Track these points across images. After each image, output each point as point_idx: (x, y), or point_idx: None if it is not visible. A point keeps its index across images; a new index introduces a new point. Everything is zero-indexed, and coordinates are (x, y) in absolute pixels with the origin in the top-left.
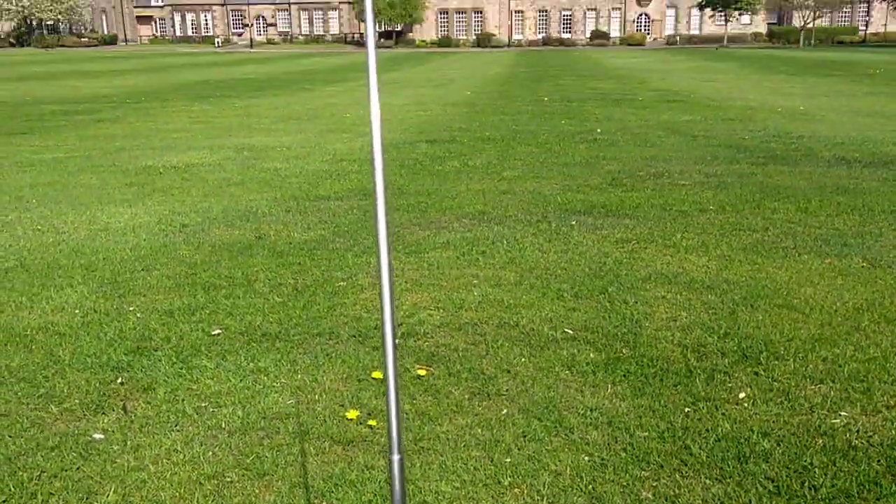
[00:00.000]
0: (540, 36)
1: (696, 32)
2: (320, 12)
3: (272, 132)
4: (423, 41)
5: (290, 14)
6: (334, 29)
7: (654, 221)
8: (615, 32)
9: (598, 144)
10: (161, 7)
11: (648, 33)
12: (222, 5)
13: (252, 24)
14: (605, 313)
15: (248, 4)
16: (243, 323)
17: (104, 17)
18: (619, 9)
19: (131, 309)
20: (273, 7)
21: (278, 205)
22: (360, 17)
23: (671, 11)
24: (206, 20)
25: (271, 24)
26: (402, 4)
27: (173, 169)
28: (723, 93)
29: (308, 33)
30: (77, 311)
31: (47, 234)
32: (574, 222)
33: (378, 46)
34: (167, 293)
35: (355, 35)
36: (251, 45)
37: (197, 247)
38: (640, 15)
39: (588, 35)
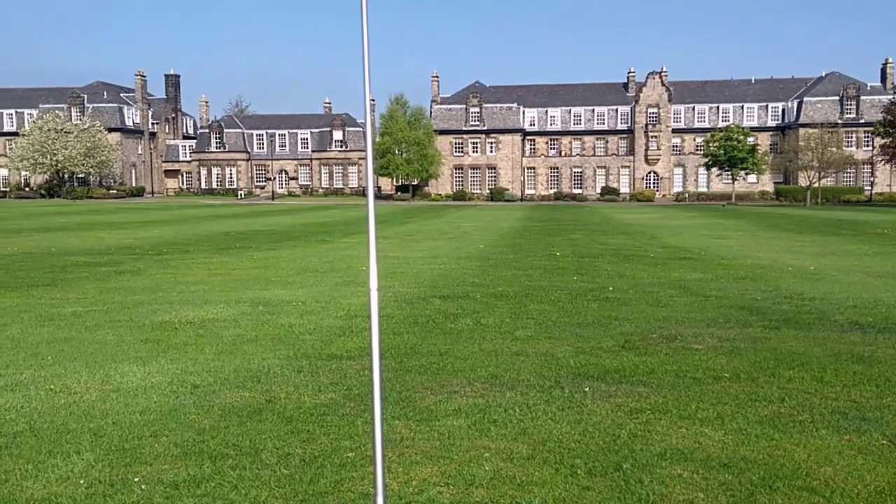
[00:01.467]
0: (552, 191)
1: (704, 190)
2: (340, 167)
3: (289, 285)
4: (439, 195)
5: (311, 168)
6: (353, 182)
7: (668, 389)
8: (625, 188)
9: (611, 303)
10: (189, 161)
11: (657, 190)
12: (247, 160)
13: (274, 178)
14: (620, 493)
15: (272, 159)
16: (248, 498)
17: (133, 171)
18: (628, 167)
19: (136, 480)
20: (295, 162)
21: (290, 364)
22: (379, 171)
23: (679, 170)
24: (231, 174)
25: (292, 178)
26: (419, 161)
27: (189, 324)
28: (733, 250)
29: (328, 186)
30: (82, 482)
31: (59, 396)
32: (587, 389)
33: (396, 199)
34: (174, 462)
35: (374, 189)
36: (273, 197)
37: (207, 410)
38: (649, 173)
39: (599, 190)
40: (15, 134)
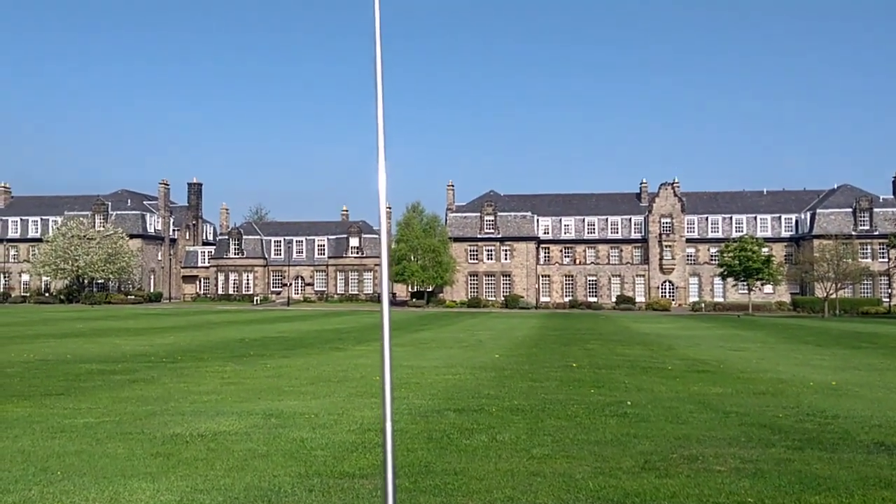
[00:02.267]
0: (567, 299)
1: (720, 299)
2: (356, 274)
3: (301, 395)
4: (454, 301)
5: (326, 275)
6: (368, 289)
7: None
8: (640, 297)
9: (629, 419)
10: (207, 267)
11: (673, 299)
12: (264, 266)
13: (290, 284)
14: None
15: (289, 265)
16: None
17: (152, 276)
18: (643, 276)
19: None
20: (312, 268)
21: (302, 483)
22: (394, 278)
23: (694, 280)
24: (248, 280)
25: (308, 284)
26: (434, 268)
27: (200, 437)
28: (752, 363)
29: (343, 292)
30: None
31: None
32: None
33: (411, 305)
34: None
35: (389, 295)
36: (288, 303)
37: None
38: (664, 282)
39: (614, 299)
40: (39, 240)
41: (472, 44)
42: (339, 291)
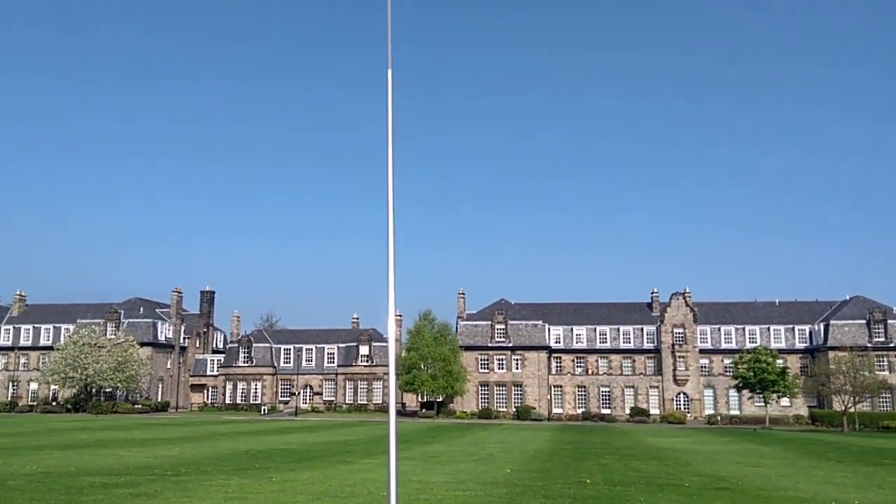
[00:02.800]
0: (580, 410)
1: (736, 412)
2: (365, 383)
3: None
4: (465, 412)
5: (336, 384)
6: (378, 398)
7: None
8: (654, 409)
9: None
10: (216, 376)
11: (688, 412)
12: (273, 375)
13: (299, 393)
14: None
15: (298, 374)
16: None
17: (160, 385)
18: (657, 387)
19: None
20: (321, 377)
21: None
22: (404, 387)
23: (709, 391)
24: (257, 388)
25: (317, 393)
26: (444, 377)
27: None
28: (772, 481)
29: (352, 402)
30: None
31: None
32: None
33: (421, 416)
34: None
35: (398, 404)
36: (296, 413)
37: None
38: (679, 393)
39: (628, 411)
40: (50, 348)
41: (484, 149)
42: (348, 401)
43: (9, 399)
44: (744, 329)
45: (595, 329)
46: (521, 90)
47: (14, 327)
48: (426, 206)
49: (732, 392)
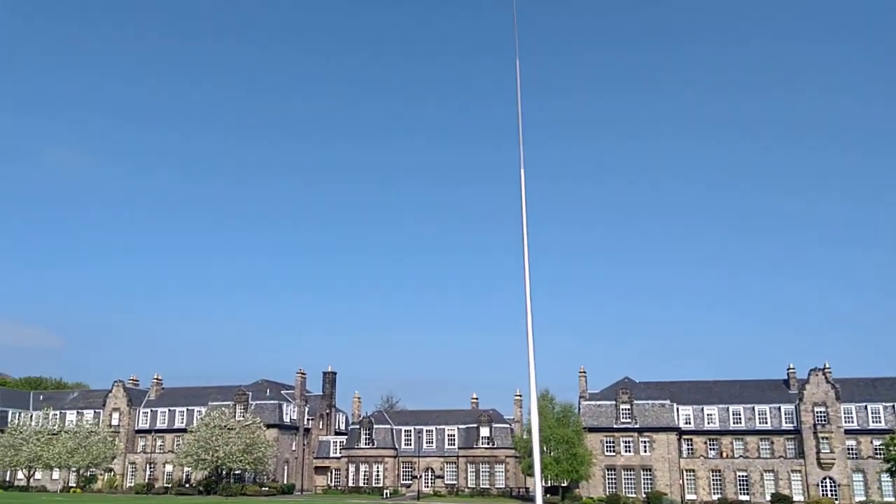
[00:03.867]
0: (715, 496)
1: (891, 499)
2: (487, 465)
3: None
4: (591, 498)
5: (457, 466)
6: (500, 482)
7: None
8: (798, 496)
9: None
10: (338, 458)
11: (836, 498)
12: (394, 457)
13: (420, 476)
14: None
15: (419, 457)
16: None
17: (286, 467)
18: (799, 471)
19: None
20: (441, 459)
21: None
22: (527, 471)
23: (858, 476)
24: (378, 471)
25: (439, 476)
26: (568, 460)
27: None
28: None
29: (474, 485)
30: None
31: None
32: None
33: (546, 502)
34: None
35: (521, 489)
36: (418, 497)
37: None
38: (824, 478)
39: (768, 497)
40: (184, 430)
41: (605, 234)
42: (469, 485)
43: (146, 481)
44: (893, 407)
45: (728, 408)
46: (628, 177)
47: (151, 410)
48: (543, 291)
49: (885, 476)
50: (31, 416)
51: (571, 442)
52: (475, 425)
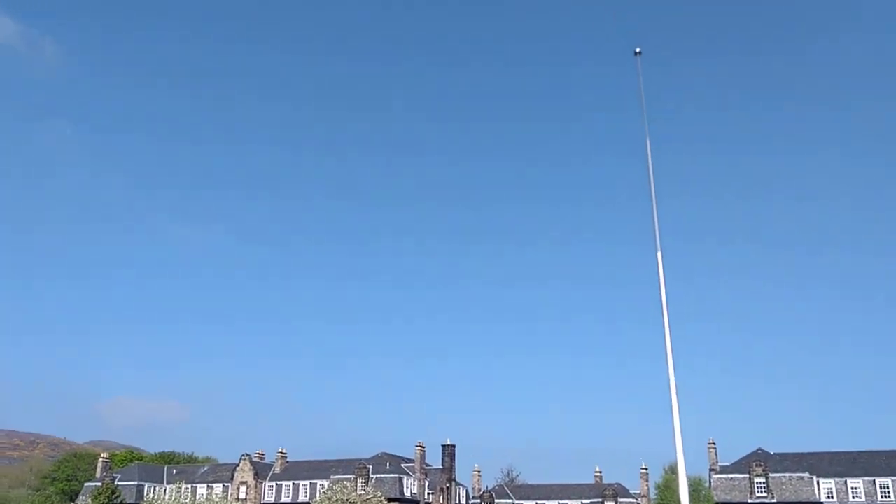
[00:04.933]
0: None
1: None
2: None
3: None
4: None
5: None
6: None
7: None
8: None
9: None
10: None
11: None
12: None
13: None
14: None
15: None
16: None
17: None
18: None
19: None
20: None
21: None
22: None
23: None
24: None
25: None
26: None
27: None
28: None
29: None
30: None
31: None
32: None
33: None
34: None
35: None
36: None
37: None
38: None
39: None
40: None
41: (737, 298)
42: None
43: None
44: None
45: (874, 481)
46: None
47: (276, 484)
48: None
49: None
50: (165, 490)
51: None
52: (600, 500)
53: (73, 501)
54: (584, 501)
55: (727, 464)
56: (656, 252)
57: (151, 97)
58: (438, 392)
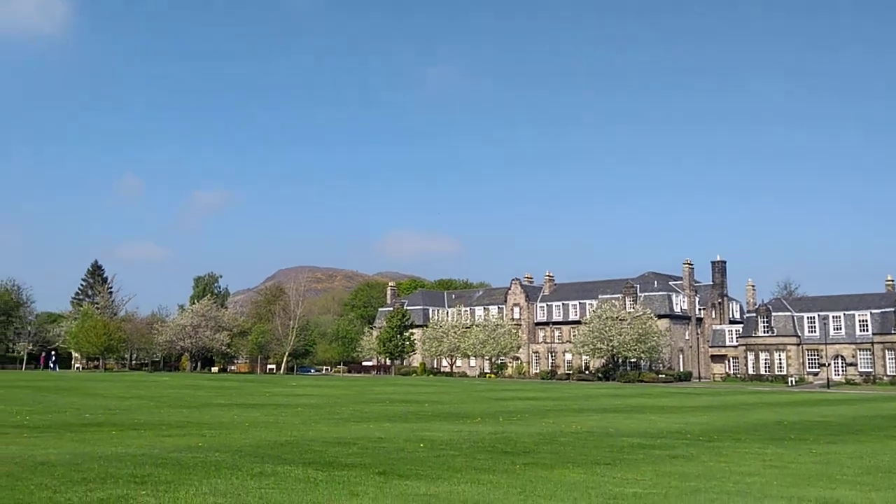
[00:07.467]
0: None
1: None
2: None
3: (858, 485)
4: None
5: (872, 354)
6: None
7: None
8: None
9: None
10: (735, 346)
11: None
12: (797, 345)
13: (829, 364)
14: None
15: (825, 344)
16: None
17: (681, 356)
18: None
19: None
20: (853, 346)
21: None
22: None
23: None
24: (780, 359)
25: (851, 364)
26: None
27: None
28: None
29: (894, 374)
30: None
31: None
32: None
33: None
34: None
35: None
36: (828, 385)
37: None
38: None
39: None
40: (578, 322)
41: None
42: (889, 373)
43: (549, 368)
44: None
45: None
46: None
47: (546, 305)
48: None
49: None
50: (447, 313)
51: None
52: (892, 310)
53: (371, 324)
54: (874, 311)
55: None
56: None
57: None
58: (705, 206)
